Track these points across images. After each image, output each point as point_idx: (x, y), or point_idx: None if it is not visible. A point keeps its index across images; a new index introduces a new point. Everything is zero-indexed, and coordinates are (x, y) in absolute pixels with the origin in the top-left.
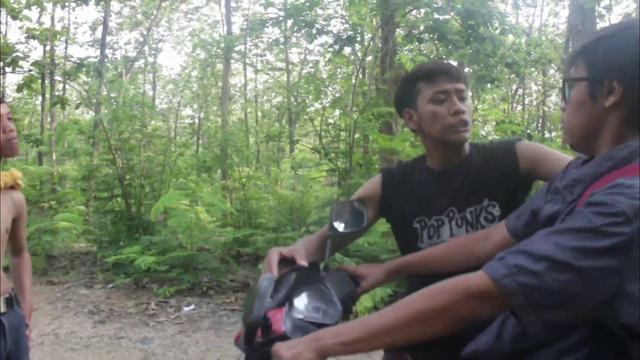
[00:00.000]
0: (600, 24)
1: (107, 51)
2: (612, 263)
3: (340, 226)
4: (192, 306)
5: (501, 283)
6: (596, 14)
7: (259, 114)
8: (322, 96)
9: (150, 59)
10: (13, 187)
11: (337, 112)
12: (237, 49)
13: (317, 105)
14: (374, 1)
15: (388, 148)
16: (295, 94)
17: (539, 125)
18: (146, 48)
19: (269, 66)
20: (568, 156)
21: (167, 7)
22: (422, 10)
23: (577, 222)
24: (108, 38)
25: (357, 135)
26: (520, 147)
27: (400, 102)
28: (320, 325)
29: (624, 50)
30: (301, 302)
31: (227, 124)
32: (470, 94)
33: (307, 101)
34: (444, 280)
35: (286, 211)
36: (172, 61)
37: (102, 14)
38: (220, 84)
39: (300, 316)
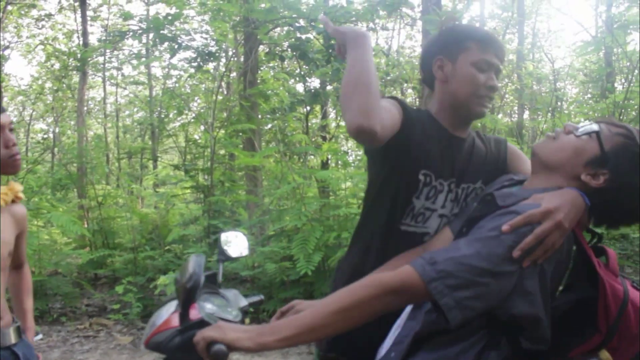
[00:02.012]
0: None
1: None
2: (516, 267)
3: (229, 252)
4: (40, 335)
5: (431, 285)
6: None
7: (120, 129)
8: (186, 112)
9: None
10: (14, 200)
11: (203, 128)
12: (95, 60)
13: (181, 120)
14: (237, 18)
15: (251, 164)
16: (159, 108)
17: None
18: None
19: (131, 79)
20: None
21: (15, 11)
22: (285, 29)
23: (492, 232)
24: None
25: (222, 152)
26: (509, 145)
27: (437, 48)
28: (226, 321)
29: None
30: (208, 302)
31: (84, 139)
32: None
33: (170, 117)
34: (363, 278)
35: (146, 230)
36: (22, 71)
37: None
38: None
39: (211, 311)
